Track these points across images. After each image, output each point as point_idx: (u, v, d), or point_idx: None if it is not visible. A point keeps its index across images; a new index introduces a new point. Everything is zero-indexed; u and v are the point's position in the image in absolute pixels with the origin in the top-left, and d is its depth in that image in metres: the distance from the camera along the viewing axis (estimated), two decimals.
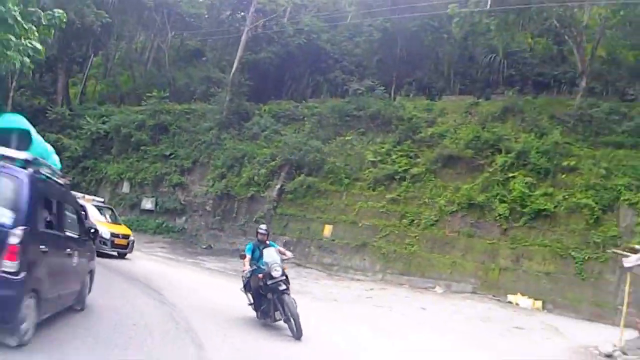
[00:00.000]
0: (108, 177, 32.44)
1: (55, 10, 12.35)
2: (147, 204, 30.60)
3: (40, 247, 6.69)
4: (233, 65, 31.63)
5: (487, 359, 11.41)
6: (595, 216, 21.03)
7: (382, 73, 31.93)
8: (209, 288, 16.39)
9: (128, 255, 19.60)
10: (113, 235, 18.70)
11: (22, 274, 6.00)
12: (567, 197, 22.00)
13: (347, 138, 27.91)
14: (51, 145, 8.95)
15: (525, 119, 25.44)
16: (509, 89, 28.37)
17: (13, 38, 10.90)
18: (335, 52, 34.46)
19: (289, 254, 10.94)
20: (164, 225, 29.84)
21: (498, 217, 22.50)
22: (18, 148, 6.90)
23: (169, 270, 18.75)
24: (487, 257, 22.22)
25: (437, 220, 23.59)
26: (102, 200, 22.79)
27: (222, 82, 32.29)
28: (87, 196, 20.89)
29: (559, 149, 23.45)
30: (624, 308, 14.19)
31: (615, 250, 17.82)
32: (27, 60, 11.74)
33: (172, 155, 31.03)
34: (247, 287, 10.60)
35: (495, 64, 30.09)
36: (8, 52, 11.07)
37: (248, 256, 10.38)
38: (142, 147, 32.36)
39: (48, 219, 7.31)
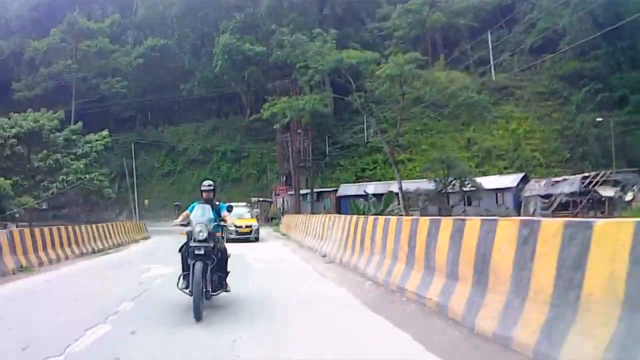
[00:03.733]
0: None
1: None
2: None
3: None
4: None
5: None
6: (258, 177, 52.36)
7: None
8: None
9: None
10: (237, 226, 23.56)
11: None
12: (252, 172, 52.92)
13: None
14: None
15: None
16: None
17: None
18: None
19: (229, 220, 8.22)
20: None
21: None
22: None
23: None
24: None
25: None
26: (243, 204, 29.00)
27: None
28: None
29: (242, 150, 53.80)
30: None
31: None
32: None
33: None
34: (182, 249, 7.86)
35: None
36: None
37: (186, 212, 8.01)
38: None
39: None
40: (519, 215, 33.32)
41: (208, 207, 7.81)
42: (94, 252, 18.54)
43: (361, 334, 6.15)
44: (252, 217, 26.06)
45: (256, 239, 24.37)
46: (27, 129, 31.02)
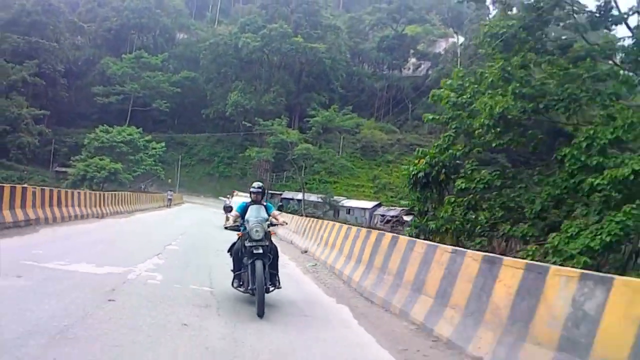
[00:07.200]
0: None
1: None
2: None
3: None
4: None
5: None
6: (242, 177, 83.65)
7: None
8: None
9: None
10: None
11: None
12: (238, 173, 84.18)
13: None
14: None
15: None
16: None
17: None
18: None
19: (281, 219, 8.71)
20: None
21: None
22: None
23: None
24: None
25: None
26: (246, 195, 31.69)
27: None
28: (236, 191, 36.62)
29: (235, 156, 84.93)
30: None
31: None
32: None
33: None
34: (230, 249, 8.68)
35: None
36: None
37: (236, 213, 8.57)
38: None
39: None
40: (370, 225, 64.21)
41: (262, 207, 8.31)
42: (177, 204, 49.81)
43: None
44: None
45: None
46: (127, 139, 62.04)
